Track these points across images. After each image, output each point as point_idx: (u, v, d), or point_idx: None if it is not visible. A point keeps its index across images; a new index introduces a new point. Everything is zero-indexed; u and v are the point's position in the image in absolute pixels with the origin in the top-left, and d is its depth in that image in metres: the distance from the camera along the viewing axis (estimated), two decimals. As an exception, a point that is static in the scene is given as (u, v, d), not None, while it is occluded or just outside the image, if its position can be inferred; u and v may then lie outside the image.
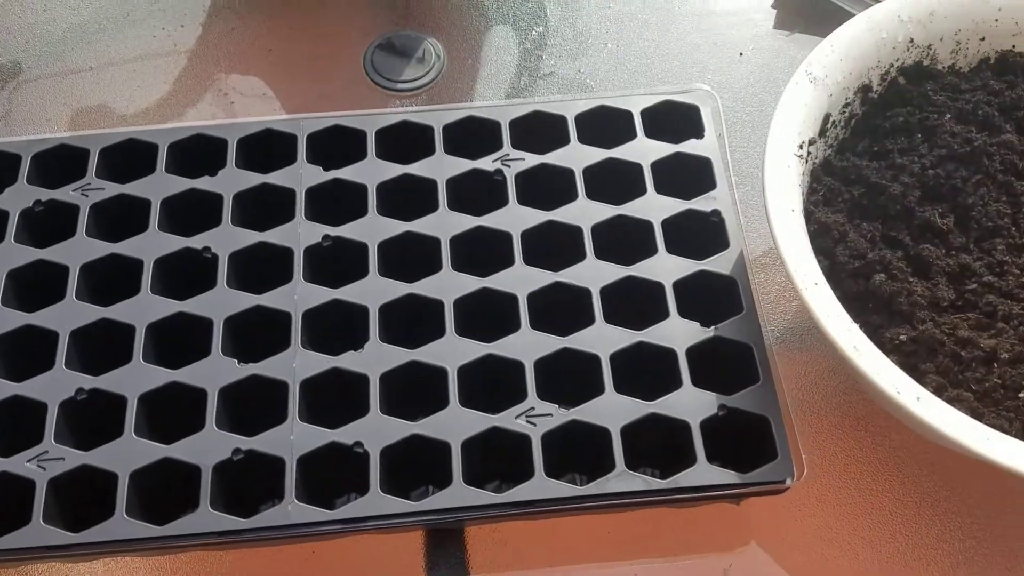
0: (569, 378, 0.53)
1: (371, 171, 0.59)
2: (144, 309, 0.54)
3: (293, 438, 0.50)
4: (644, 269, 0.56)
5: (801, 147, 0.54)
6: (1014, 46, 0.60)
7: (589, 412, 0.51)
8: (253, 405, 0.52)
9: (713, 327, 0.54)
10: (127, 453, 0.50)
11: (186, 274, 0.56)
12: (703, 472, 0.49)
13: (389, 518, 0.49)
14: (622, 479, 0.49)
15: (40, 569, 0.52)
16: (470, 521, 0.52)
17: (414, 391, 0.53)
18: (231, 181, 0.59)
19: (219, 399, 0.51)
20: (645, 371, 0.53)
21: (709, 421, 0.51)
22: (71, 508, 0.50)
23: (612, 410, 0.51)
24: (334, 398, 0.52)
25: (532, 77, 0.71)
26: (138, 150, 0.60)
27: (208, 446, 0.50)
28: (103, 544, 0.48)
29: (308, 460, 0.50)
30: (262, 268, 0.56)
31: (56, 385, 0.52)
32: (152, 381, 0.52)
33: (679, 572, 0.52)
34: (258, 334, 0.54)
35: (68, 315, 0.54)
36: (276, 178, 0.59)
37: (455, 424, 0.51)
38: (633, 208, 0.58)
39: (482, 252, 0.57)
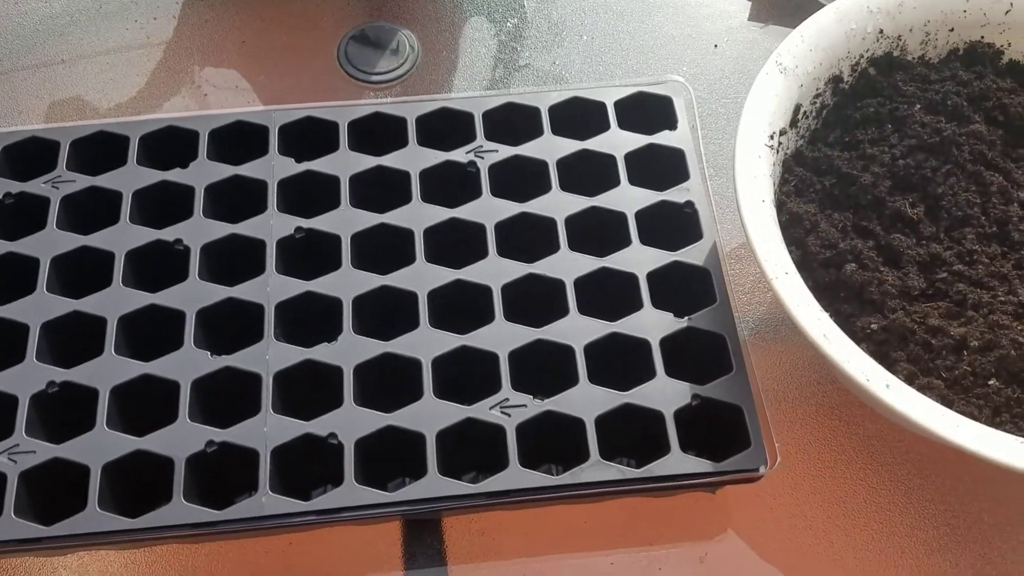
0: (543, 369, 0.53)
1: (344, 163, 0.59)
2: (116, 301, 0.54)
3: (267, 430, 0.50)
4: (618, 260, 0.56)
5: (772, 137, 0.54)
6: (983, 36, 0.60)
7: (563, 403, 0.51)
8: (226, 397, 0.52)
9: (687, 318, 0.54)
10: (99, 446, 0.50)
11: (158, 266, 0.56)
12: (677, 461, 0.49)
13: (364, 509, 0.49)
14: (596, 469, 0.49)
15: (13, 564, 0.52)
16: (447, 512, 0.52)
17: (388, 383, 0.52)
18: (203, 173, 0.59)
19: (192, 391, 0.51)
20: (619, 362, 0.53)
21: (683, 411, 0.51)
22: (43, 501, 0.50)
23: (586, 400, 0.51)
24: (308, 390, 0.52)
25: (507, 69, 0.71)
26: (109, 142, 0.60)
27: (181, 438, 0.50)
28: (76, 537, 0.48)
29: (282, 452, 0.50)
30: (234, 260, 0.56)
31: (27, 378, 0.52)
32: (124, 373, 0.52)
33: (656, 561, 0.53)
34: (231, 326, 0.54)
35: (39, 308, 0.54)
36: (248, 170, 0.59)
37: (430, 415, 0.51)
38: (607, 199, 0.58)
39: (456, 244, 0.57)
